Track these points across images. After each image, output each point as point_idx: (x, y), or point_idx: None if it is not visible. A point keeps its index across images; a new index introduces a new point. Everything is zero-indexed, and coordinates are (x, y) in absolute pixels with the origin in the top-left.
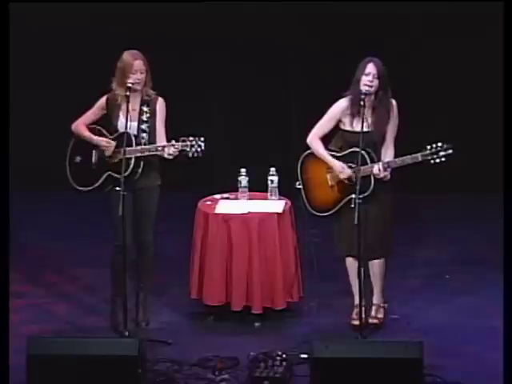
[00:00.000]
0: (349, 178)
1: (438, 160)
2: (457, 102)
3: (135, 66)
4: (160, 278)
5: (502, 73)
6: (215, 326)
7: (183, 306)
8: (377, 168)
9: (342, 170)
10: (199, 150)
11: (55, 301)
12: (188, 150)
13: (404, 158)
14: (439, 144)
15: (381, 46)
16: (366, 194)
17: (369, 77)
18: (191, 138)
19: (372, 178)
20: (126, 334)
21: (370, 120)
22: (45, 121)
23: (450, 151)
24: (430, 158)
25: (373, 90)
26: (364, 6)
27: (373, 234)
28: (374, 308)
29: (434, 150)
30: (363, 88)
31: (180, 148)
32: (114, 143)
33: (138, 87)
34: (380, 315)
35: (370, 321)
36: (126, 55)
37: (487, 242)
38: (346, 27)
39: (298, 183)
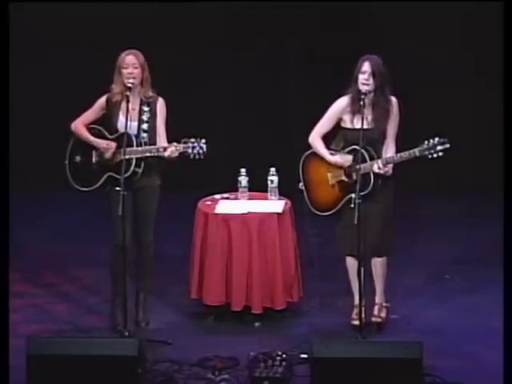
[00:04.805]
0: (349, 176)
1: (435, 155)
2: (456, 101)
3: (126, 61)
4: (160, 278)
5: (502, 73)
6: (215, 325)
7: (183, 306)
8: (376, 166)
9: (343, 160)
10: (201, 151)
11: (55, 301)
12: (189, 151)
13: (402, 153)
14: (436, 139)
15: (381, 46)
16: (365, 192)
17: (365, 75)
18: (193, 140)
19: (372, 176)
20: (126, 334)
21: (369, 117)
22: (45, 121)
23: (447, 145)
24: (427, 152)
25: (371, 88)
26: (364, 6)
27: (374, 232)
28: (376, 307)
29: (431, 144)
30: (362, 88)
31: (181, 149)
32: (114, 145)
33: (132, 81)
34: (383, 314)
35: (374, 319)
36: (121, 53)
37: (487, 241)
38: (347, 27)
39: (300, 184)
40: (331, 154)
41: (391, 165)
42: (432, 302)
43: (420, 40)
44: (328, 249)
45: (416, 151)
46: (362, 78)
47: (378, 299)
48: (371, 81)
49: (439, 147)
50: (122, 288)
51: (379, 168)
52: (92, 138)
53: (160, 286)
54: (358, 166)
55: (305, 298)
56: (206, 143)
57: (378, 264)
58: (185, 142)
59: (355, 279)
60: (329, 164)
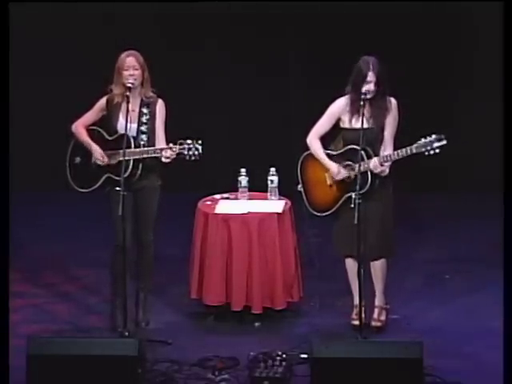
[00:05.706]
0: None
1: (432, 152)
2: (456, 101)
3: (127, 63)
4: (160, 278)
5: (502, 73)
6: (215, 325)
7: (183, 306)
8: (373, 163)
9: (338, 172)
10: (196, 153)
11: (55, 301)
12: (185, 153)
13: (399, 151)
14: (433, 135)
15: (381, 46)
16: (363, 191)
17: (370, 85)
18: (189, 141)
19: (369, 175)
20: (126, 334)
21: (367, 116)
22: (45, 121)
23: (444, 142)
24: (424, 149)
25: (374, 93)
26: (364, 6)
27: (373, 233)
28: (376, 310)
29: (427, 141)
30: (364, 90)
31: (177, 151)
32: (106, 159)
33: (132, 81)
34: (382, 317)
35: (373, 324)
36: (121, 54)
37: (487, 241)
38: (346, 27)
39: (299, 186)
40: (327, 154)
41: (388, 163)
42: (432, 303)
43: (419, 40)
44: (328, 249)
45: (413, 148)
46: (367, 87)
47: (377, 301)
48: (375, 88)
49: (436, 144)
50: (122, 288)
51: (375, 165)
52: (91, 143)
53: (160, 286)
54: (357, 165)
55: (305, 298)
56: (201, 144)
57: (377, 265)
58: (181, 144)
59: (355, 280)
60: None
